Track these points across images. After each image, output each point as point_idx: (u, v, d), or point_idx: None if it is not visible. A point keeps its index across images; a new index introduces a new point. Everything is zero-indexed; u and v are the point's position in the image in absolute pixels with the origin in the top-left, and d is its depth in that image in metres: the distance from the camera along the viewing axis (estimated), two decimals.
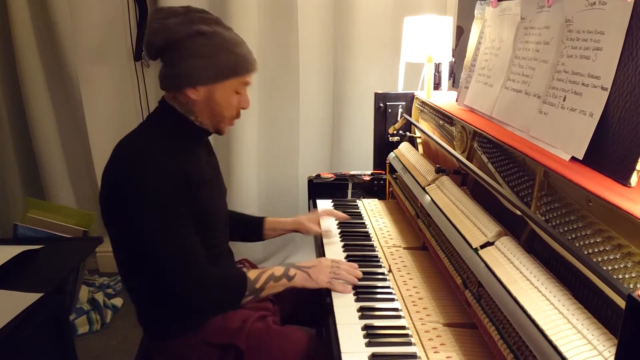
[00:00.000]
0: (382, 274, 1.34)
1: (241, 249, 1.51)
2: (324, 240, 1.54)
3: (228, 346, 1.21)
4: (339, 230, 1.60)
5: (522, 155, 1.06)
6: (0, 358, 1.22)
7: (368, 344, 1.03)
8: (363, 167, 2.14)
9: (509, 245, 1.00)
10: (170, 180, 1.14)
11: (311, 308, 1.35)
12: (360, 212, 1.78)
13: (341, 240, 1.54)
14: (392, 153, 1.84)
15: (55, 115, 2.67)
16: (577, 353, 0.72)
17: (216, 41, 1.18)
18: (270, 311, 1.35)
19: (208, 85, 1.19)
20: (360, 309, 1.16)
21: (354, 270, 1.29)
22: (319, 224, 1.60)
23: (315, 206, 1.85)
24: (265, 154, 2.71)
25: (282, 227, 1.59)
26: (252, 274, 1.25)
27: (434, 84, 1.91)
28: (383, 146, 1.97)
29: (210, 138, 1.36)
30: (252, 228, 1.58)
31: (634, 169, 0.82)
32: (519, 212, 1.02)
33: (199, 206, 1.20)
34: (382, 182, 1.94)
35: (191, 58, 1.17)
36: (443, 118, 1.60)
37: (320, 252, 1.50)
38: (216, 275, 1.22)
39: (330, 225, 1.63)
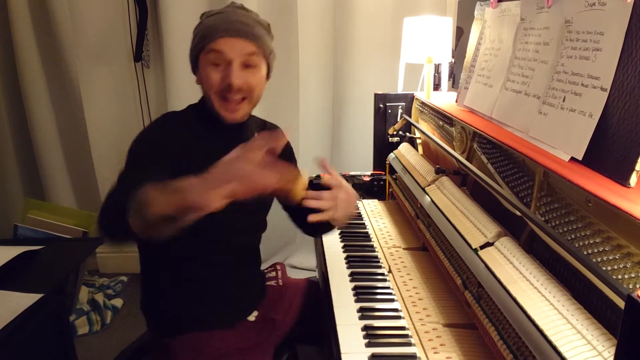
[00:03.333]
0: (382, 274, 1.34)
1: None
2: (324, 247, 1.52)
3: None
4: (339, 231, 1.60)
5: (522, 156, 1.06)
6: (0, 358, 1.22)
7: (368, 345, 1.03)
8: (363, 167, 2.13)
9: (508, 246, 1.00)
10: (147, 143, 1.12)
11: (314, 322, 1.33)
12: (360, 213, 1.78)
13: (341, 241, 1.55)
14: (392, 154, 1.84)
15: (55, 115, 2.67)
16: (576, 353, 0.72)
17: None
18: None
19: (197, 69, 1.19)
20: (360, 310, 1.16)
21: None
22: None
23: None
24: None
25: None
26: None
27: (434, 84, 1.91)
28: (383, 147, 1.97)
29: None
30: None
31: (633, 169, 0.82)
32: (518, 213, 1.03)
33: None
34: (382, 182, 1.94)
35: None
36: (443, 119, 1.60)
37: (321, 252, 1.50)
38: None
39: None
